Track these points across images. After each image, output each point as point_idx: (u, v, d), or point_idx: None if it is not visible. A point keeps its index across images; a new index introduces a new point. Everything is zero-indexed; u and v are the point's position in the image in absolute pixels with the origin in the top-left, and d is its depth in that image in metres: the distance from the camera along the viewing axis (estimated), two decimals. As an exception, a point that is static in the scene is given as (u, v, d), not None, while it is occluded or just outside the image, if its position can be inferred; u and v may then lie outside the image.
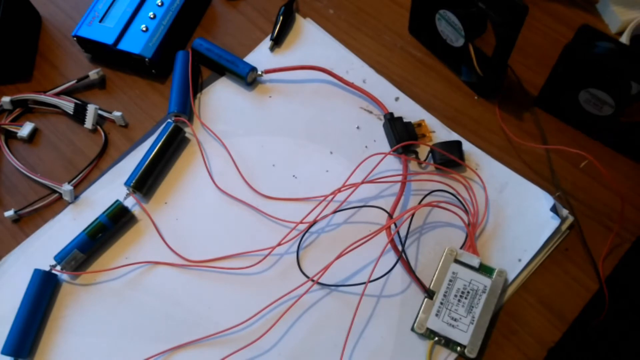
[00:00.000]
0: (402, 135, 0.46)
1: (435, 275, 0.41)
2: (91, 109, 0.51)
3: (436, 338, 0.40)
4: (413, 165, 0.47)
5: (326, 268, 0.41)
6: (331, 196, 0.45)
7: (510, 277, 0.42)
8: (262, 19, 0.55)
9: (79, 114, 0.51)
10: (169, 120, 0.49)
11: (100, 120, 0.51)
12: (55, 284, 0.44)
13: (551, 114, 0.48)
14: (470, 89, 0.50)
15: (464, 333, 0.39)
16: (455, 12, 0.44)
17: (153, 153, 0.47)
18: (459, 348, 0.40)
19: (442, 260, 0.42)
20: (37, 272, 0.43)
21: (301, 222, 0.45)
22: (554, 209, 0.43)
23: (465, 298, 0.40)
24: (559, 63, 0.43)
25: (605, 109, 0.43)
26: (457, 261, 0.42)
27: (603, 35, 0.41)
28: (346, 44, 0.53)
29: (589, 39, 0.41)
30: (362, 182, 0.45)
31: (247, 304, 0.42)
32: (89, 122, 0.51)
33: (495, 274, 0.41)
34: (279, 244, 0.44)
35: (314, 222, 0.44)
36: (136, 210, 0.47)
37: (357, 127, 0.49)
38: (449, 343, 0.40)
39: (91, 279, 0.45)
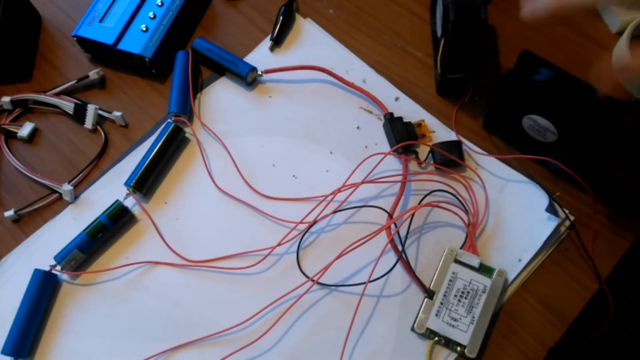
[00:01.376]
0: (402, 135, 0.46)
1: (435, 275, 0.41)
2: (91, 109, 0.51)
3: (436, 338, 0.40)
4: (413, 165, 0.47)
5: (326, 268, 0.41)
6: (331, 196, 0.45)
7: (510, 277, 0.42)
8: (262, 19, 0.55)
9: (79, 114, 0.51)
10: (169, 120, 0.49)
11: (100, 120, 0.51)
12: (55, 284, 0.44)
13: (498, 137, 0.47)
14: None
15: (464, 333, 0.39)
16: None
17: (153, 153, 0.47)
18: (459, 348, 0.40)
19: (442, 260, 0.42)
20: (37, 272, 0.43)
21: (301, 222, 0.45)
22: (553, 209, 0.43)
23: (465, 298, 0.40)
24: (499, 88, 0.43)
25: (549, 136, 0.42)
26: (457, 261, 0.42)
27: (544, 62, 0.40)
28: (346, 44, 0.53)
29: (531, 65, 0.41)
30: (362, 182, 0.45)
31: (247, 304, 0.42)
32: (89, 122, 0.51)
33: (495, 274, 0.41)
34: (279, 244, 0.44)
35: (314, 222, 0.44)
36: (136, 210, 0.47)
37: (357, 127, 0.49)
38: (449, 343, 0.40)
39: (91, 279, 0.45)
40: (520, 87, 0.40)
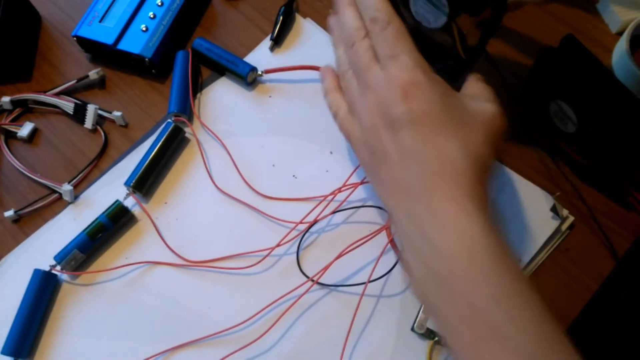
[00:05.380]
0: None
1: (435, 275, 0.41)
2: (91, 109, 0.51)
3: (436, 338, 0.40)
4: (413, 165, 0.47)
5: (326, 268, 0.42)
6: (331, 196, 0.45)
7: (510, 277, 0.42)
8: (262, 19, 0.55)
9: (79, 114, 0.51)
10: (169, 120, 0.49)
11: (100, 120, 0.51)
12: (55, 284, 0.44)
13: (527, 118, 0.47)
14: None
15: (464, 333, 0.39)
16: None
17: (153, 153, 0.47)
18: (459, 348, 0.39)
19: (442, 260, 0.42)
20: (37, 272, 0.43)
21: (301, 222, 0.45)
22: (554, 209, 0.43)
23: (465, 298, 0.40)
24: (536, 66, 0.42)
25: (570, 126, 0.42)
26: (457, 261, 0.41)
27: (585, 50, 0.40)
28: (346, 44, 0.53)
29: (572, 49, 0.40)
30: (362, 182, 0.45)
31: (247, 304, 0.42)
32: (89, 122, 0.51)
33: (495, 274, 0.41)
34: (279, 244, 0.44)
35: (314, 222, 0.44)
36: (136, 210, 0.47)
37: (357, 127, 0.49)
38: (449, 343, 0.40)
39: (91, 279, 0.45)
40: (556, 69, 0.40)
